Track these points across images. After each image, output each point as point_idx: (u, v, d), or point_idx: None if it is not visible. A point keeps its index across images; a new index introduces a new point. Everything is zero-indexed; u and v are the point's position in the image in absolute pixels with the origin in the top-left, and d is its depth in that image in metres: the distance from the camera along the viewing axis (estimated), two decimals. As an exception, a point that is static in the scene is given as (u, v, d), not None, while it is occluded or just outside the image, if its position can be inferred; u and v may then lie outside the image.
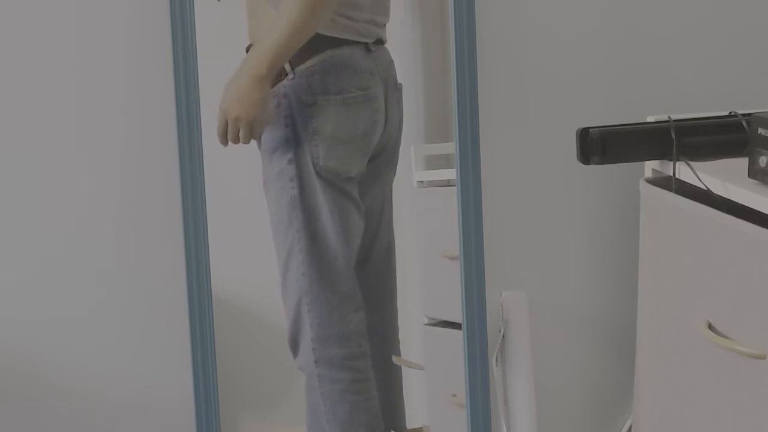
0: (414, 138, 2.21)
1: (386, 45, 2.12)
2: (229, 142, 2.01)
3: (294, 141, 2.06)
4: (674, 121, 1.94)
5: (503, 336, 2.16)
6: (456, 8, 2.06)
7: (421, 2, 2.22)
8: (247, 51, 2.05)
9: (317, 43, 2.02)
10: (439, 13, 2.18)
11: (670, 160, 1.92)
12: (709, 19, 2.23)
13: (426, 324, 2.27)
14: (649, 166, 2.01)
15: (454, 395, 2.21)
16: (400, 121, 2.16)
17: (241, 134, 2.00)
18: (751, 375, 1.66)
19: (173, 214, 2.06)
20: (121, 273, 2.10)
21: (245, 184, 2.15)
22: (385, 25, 2.12)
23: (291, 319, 2.11)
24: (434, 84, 2.23)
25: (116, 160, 2.07)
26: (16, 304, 2.07)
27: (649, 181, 1.98)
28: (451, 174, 2.13)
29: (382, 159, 2.15)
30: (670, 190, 1.89)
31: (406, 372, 2.26)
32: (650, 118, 2.01)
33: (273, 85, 2.02)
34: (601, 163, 1.96)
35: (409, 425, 2.26)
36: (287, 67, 2.03)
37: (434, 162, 2.26)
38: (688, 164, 1.88)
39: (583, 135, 1.95)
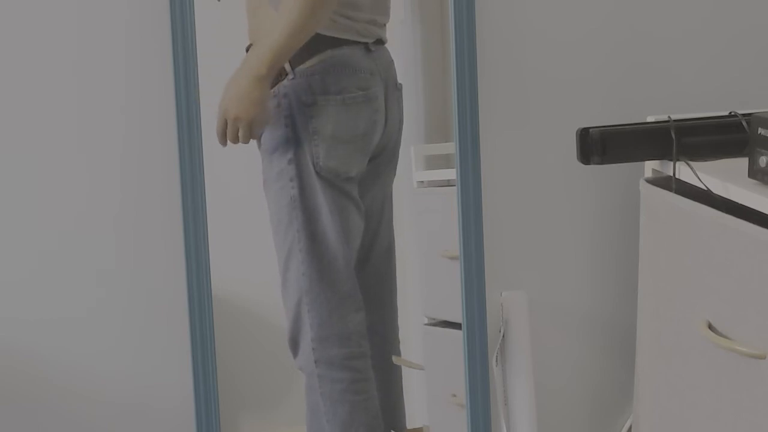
0: (414, 138, 2.21)
1: (386, 45, 2.12)
2: (228, 142, 2.01)
3: (294, 141, 2.06)
4: (674, 121, 1.94)
5: (503, 336, 2.16)
6: (456, 8, 2.06)
7: (421, 2, 2.22)
8: (248, 51, 2.05)
9: (317, 43, 2.02)
10: (439, 13, 2.18)
11: (670, 160, 1.92)
12: (709, 19, 2.23)
13: (426, 324, 2.27)
14: (649, 166, 2.01)
15: (454, 395, 2.21)
16: (401, 121, 2.16)
17: (240, 134, 2.00)
18: (751, 375, 1.66)
19: (173, 214, 2.06)
20: (121, 273, 2.10)
21: (245, 184, 2.15)
22: (385, 25, 2.12)
23: (291, 319, 2.11)
24: (434, 84, 2.23)
25: (116, 160, 2.07)
26: (16, 304, 2.07)
27: (649, 181, 1.98)
28: (451, 174, 2.13)
29: (382, 159, 2.15)
30: (670, 190, 1.89)
31: (406, 372, 2.26)
32: (650, 118, 2.01)
33: (273, 85, 2.02)
34: (601, 163, 1.96)
35: (409, 425, 2.26)
36: (287, 67, 2.03)
37: (434, 162, 2.26)
38: (688, 164, 1.87)
39: (583, 135, 1.95)
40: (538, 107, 2.17)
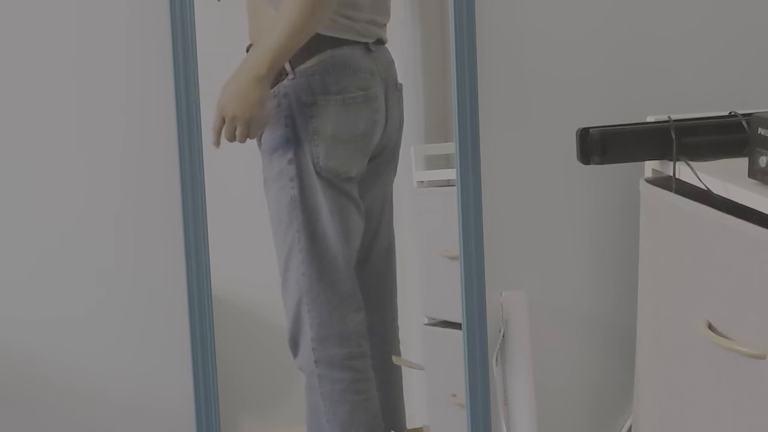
0: (414, 138, 2.21)
1: (386, 45, 2.12)
2: (222, 142, 2.00)
3: (294, 141, 2.06)
4: (674, 121, 1.94)
5: (503, 336, 2.16)
6: (456, 8, 2.06)
7: (421, 2, 2.22)
8: (248, 51, 2.05)
9: (317, 43, 2.02)
10: (439, 13, 2.18)
11: (670, 160, 1.92)
12: (709, 19, 2.23)
13: (426, 324, 2.27)
14: (649, 166, 2.01)
15: (454, 395, 2.21)
16: (401, 121, 2.16)
17: (237, 132, 2.00)
18: (751, 375, 1.66)
19: (173, 214, 2.06)
20: (121, 273, 2.10)
21: (245, 184, 2.15)
22: (385, 25, 2.12)
23: (291, 319, 2.12)
24: (434, 84, 2.22)
25: (116, 160, 2.07)
26: (16, 304, 2.07)
27: (649, 181, 1.98)
28: (451, 174, 2.13)
29: (383, 159, 2.15)
30: (670, 190, 1.89)
31: (406, 372, 2.26)
32: (650, 118, 2.01)
33: (273, 86, 2.02)
34: (601, 163, 1.96)
35: (409, 425, 2.26)
36: (287, 67, 2.03)
37: (434, 162, 2.26)
38: (688, 164, 1.87)
39: (583, 135, 1.95)
40: (538, 107, 2.17)
